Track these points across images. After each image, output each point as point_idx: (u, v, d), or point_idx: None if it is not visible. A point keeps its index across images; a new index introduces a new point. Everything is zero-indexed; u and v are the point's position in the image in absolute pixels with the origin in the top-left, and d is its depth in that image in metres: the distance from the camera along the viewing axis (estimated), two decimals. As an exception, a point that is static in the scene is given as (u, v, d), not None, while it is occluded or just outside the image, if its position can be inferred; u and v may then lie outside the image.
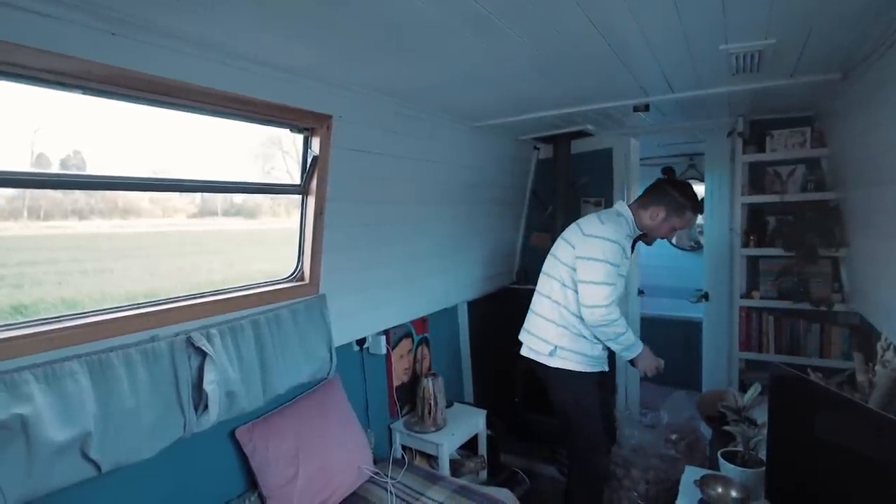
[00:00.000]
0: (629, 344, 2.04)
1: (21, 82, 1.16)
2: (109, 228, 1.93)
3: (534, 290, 2.26)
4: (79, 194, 1.78)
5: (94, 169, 1.54)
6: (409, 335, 2.82)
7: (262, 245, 2.61)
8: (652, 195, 2.09)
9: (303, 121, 1.82)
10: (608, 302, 1.94)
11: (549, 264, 2.20)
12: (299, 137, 1.91)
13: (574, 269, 2.04)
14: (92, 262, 1.98)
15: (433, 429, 2.52)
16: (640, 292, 3.38)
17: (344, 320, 2.22)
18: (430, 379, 2.57)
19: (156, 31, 1.25)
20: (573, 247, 2.07)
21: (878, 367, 1.59)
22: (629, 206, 2.15)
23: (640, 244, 2.34)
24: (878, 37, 1.46)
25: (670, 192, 2.05)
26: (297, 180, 1.97)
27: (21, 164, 1.35)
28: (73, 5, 1.09)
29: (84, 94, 1.27)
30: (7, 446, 1.13)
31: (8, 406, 1.12)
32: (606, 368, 2.19)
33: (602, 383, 2.22)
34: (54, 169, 1.45)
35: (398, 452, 2.56)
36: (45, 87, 1.20)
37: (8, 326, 1.26)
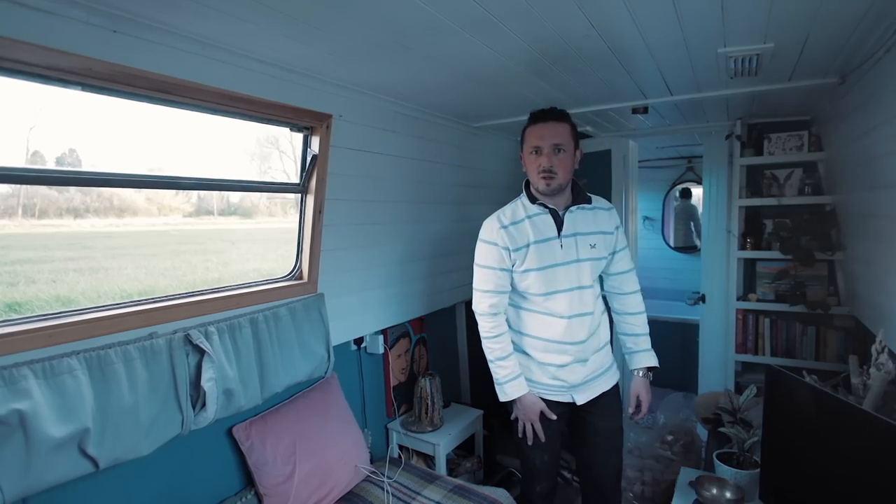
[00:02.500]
0: (499, 378, 1.75)
1: (21, 78, 1.15)
2: (104, 227, 1.93)
3: None
4: (74, 193, 1.78)
5: (89, 167, 1.53)
6: (406, 335, 2.82)
7: (258, 244, 2.60)
8: None
9: (303, 120, 1.82)
10: (481, 311, 1.79)
11: None
12: (296, 136, 1.91)
13: None
14: (86, 261, 1.98)
15: (430, 428, 2.52)
16: (638, 294, 3.39)
17: (341, 319, 2.22)
18: (427, 379, 2.57)
19: (157, 28, 1.25)
20: None
21: (872, 370, 1.60)
22: None
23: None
24: (876, 41, 1.48)
25: None
26: (293, 179, 1.96)
27: (16, 161, 1.34)
28: (75, 2, 1.09)
29: (84, 90, 1.26)
30: (5, 442, 1.13)
31: (6, 401, 1.12)
32: (578, 401, 1.78)
33: (571, 420, 1.88)
34: (49, 167, 1.45)
35: (395, 452, 2.56)
36: (45, 84, 1.19)
37: (6, 322, 1.25)
